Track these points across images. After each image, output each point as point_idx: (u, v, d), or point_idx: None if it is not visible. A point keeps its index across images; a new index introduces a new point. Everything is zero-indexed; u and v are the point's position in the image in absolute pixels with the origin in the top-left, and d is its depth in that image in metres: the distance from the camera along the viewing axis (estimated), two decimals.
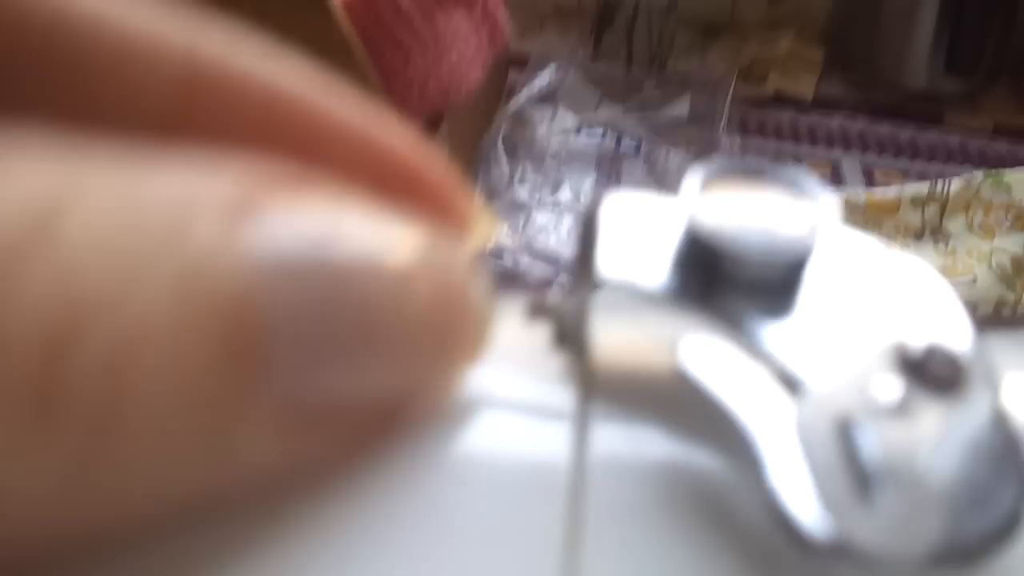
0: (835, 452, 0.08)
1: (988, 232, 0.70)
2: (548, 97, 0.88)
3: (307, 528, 0.08)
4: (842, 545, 0.07)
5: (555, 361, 0.11)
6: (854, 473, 0.07)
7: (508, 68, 0.95)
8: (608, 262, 0.10)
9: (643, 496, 0.09)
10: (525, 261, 0.71)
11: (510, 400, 0.10)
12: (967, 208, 0.71)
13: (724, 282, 0.09)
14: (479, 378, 0.10)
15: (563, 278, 0.69)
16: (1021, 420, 0.09)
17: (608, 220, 0.10)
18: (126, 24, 0.10)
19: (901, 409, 0.08)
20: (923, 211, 0.70)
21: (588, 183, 0.79)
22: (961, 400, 0.08)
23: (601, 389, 0.10)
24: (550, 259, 0.71)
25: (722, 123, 0.88)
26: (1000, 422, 0.08)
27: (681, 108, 0.89)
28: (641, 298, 0.09)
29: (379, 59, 0.63)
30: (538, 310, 0.11)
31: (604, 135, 0.84)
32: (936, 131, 0.94)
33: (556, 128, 0.85)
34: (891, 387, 0.08)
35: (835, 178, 0.85)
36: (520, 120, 0.85)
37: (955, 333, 0.09)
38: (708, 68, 0.96)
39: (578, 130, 0.84)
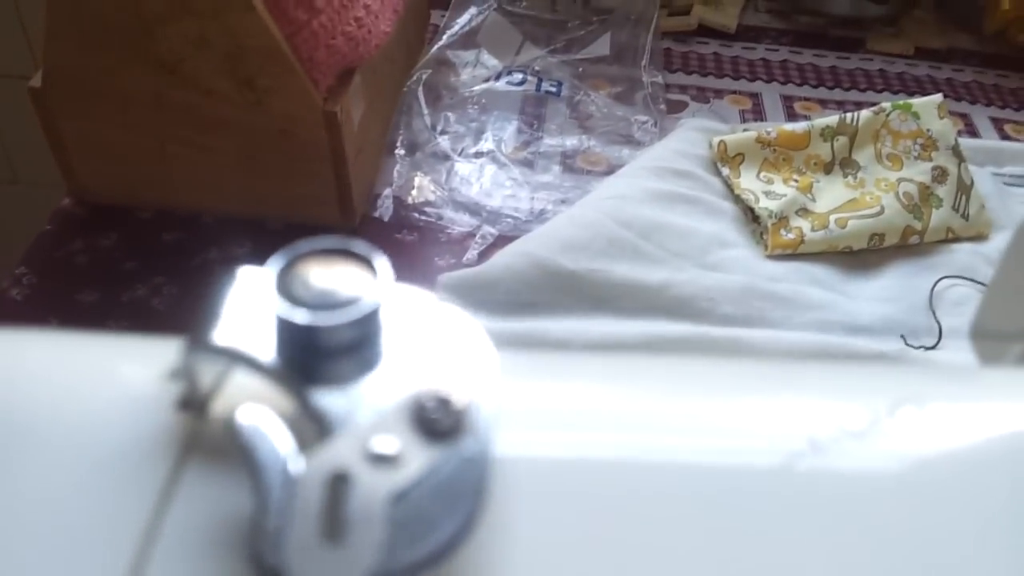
0: (320, 500, 0.09)
1: (896, 162, 0.72)
2: (470, 41, 0.87)
3: None
4: None
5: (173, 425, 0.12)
6: (332, 520, 0.09)
7: (429, 10, 0.94)
8: (224, 332, 0.11)
9: (204, 537, 0.10)
10: (448, 213, 0.71)
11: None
12: (876, 138, 0.73)
13: (308, 345, 0.10)
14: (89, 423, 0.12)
15: (485, 229, 0.70)
16: (497, 457, 0.10)
17: (235, 292, 0.12)
18: None
19: (393, 459, 0.09)
20: (833, 143, 0.72)
21: (510, 130, 0.79)
22: (449, 446, 0.10)
23: (201, 449, 0.12)
24: (473, 210, 0.71)
25: (645, 59, 0.88)
26: (473, 464, 0.10)
27: (603, 46, 0.88)
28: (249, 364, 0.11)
29: (282, 14, 0.62)
30: (176, 373, 0.13)
31: (525, 79, 0.83)
32: (857, 57, 0.95)
33: (478, 73, 0.84)
34: (389, 440, 0.10)
35: (756, 110, 0.86)
36: (442, 65, 0.85)
37: (471, 382, 0.10)
38: (631, 2, 0.95)
39: (498, 76, 0.83)
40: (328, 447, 0.10)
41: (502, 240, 0.68)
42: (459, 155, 0.76)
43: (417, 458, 0.10)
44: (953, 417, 0.13)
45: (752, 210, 0.67)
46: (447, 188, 0.73)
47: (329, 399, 0.10)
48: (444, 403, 0.10)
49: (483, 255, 0.67)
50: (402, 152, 0.76)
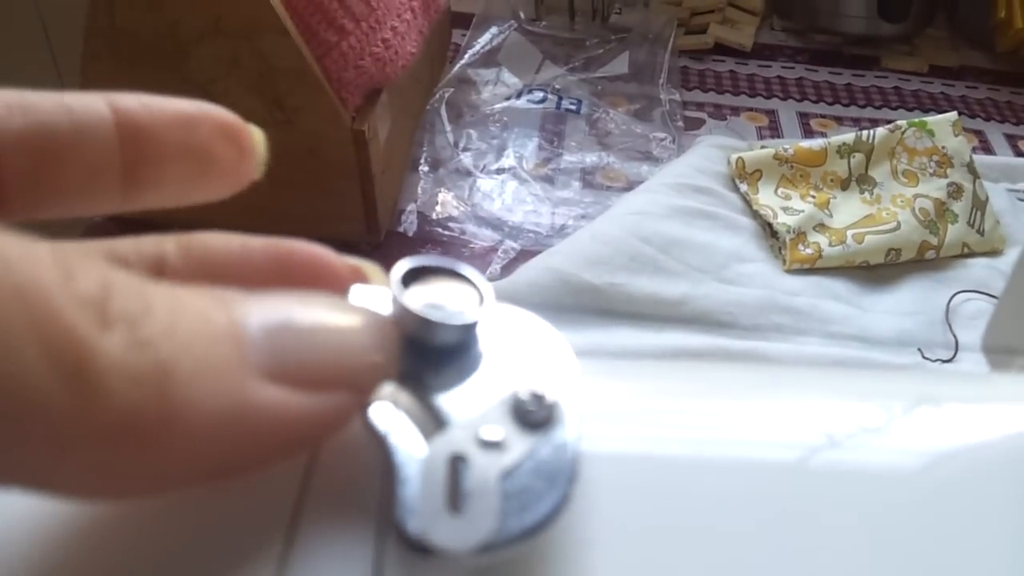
0: (444, 477, 0.11)
1: (912, 178, 0.73)
2: (491, 60, 0.89)
3: None
4: (424, 542, 0.10)
5: None
6: (453, 493, 0.11)
7: (451, 30, 0.96)
8: None
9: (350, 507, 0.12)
10: (471, 228, 0.73)
11: None
12: (892, 155, 0.74)
13: (424, 351, 0.12)
14: None
15: (507, 243, 0.71)
16: (583, 445, 0.12)
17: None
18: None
19: (500, 445, 0.11)
20: (849, 160, 0.73)
21: (531, 146, 0.80)
22: (544, 434, 0.11)
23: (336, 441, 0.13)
24: (495, 225, 0.73)
25: (662, 77, 0.90)
26: (565, 447, 0.12)
27: (621, 65, 0.90)
28: None
29: (312, 36, 0.64)
30: None
31: (545, 97, 0.85)
32: (872, 75, 0.97)
33: (499, 91, 0.86)
34: (495, 429, 0.11)
35: (772, 127, 0.87)
36: (464, 84, 0.86)
37: (559, 382, 0.12)
38: (649, 21, 0.97)
39: (519, 94, 0.85)
40: (445, 435, 0.12)
41: (524, 254, 0.70)
42: (481, 171, 0.78)
43: (519, 444, 0.12)
44: (968, 417, 0.14)
45: (770, 225, 0.69)
46: (470, 204, 0.75)
47: (442, 398, 0.12)
48: (538, 398, 0.12)
49: (505, 269, 0.69)
50: (426, 169, 0.78)
